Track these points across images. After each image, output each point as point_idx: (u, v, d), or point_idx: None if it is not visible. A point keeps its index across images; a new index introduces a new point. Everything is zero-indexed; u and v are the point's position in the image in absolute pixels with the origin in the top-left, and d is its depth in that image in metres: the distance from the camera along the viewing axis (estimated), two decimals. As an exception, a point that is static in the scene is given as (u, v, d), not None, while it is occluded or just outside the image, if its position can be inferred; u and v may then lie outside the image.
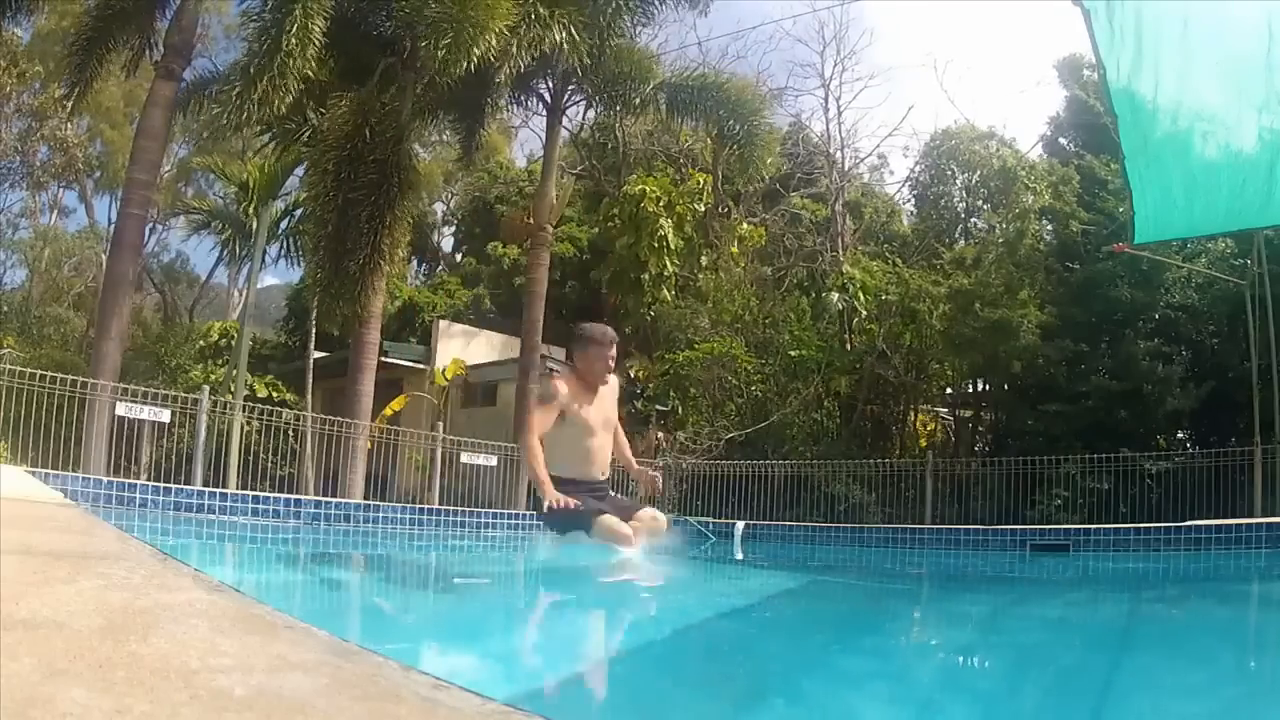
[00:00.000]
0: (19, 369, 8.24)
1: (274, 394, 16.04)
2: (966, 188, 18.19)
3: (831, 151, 19.58)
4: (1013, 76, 44.94)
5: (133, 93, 20.84)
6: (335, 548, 6.91)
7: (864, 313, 15.00)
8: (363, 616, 3.31)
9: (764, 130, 14.02)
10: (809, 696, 2.04)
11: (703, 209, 18.33)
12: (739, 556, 8.30)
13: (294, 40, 9.98)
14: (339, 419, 10.99)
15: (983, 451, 13.98)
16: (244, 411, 10.85)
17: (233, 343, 17.41)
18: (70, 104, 12.97)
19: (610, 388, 5.02)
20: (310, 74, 10.49)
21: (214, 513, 7.44)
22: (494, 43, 10.53)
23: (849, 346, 15.38)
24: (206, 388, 9.53)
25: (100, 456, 9.09)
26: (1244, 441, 9.83)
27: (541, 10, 11.63)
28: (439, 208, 30.11)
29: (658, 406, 14.64)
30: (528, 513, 10.46)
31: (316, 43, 10.28)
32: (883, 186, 22.62)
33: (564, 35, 11.87)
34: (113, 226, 18.58)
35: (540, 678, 2.20)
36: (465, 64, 10.21)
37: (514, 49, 11.17)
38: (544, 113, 14.91)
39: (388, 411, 16.17)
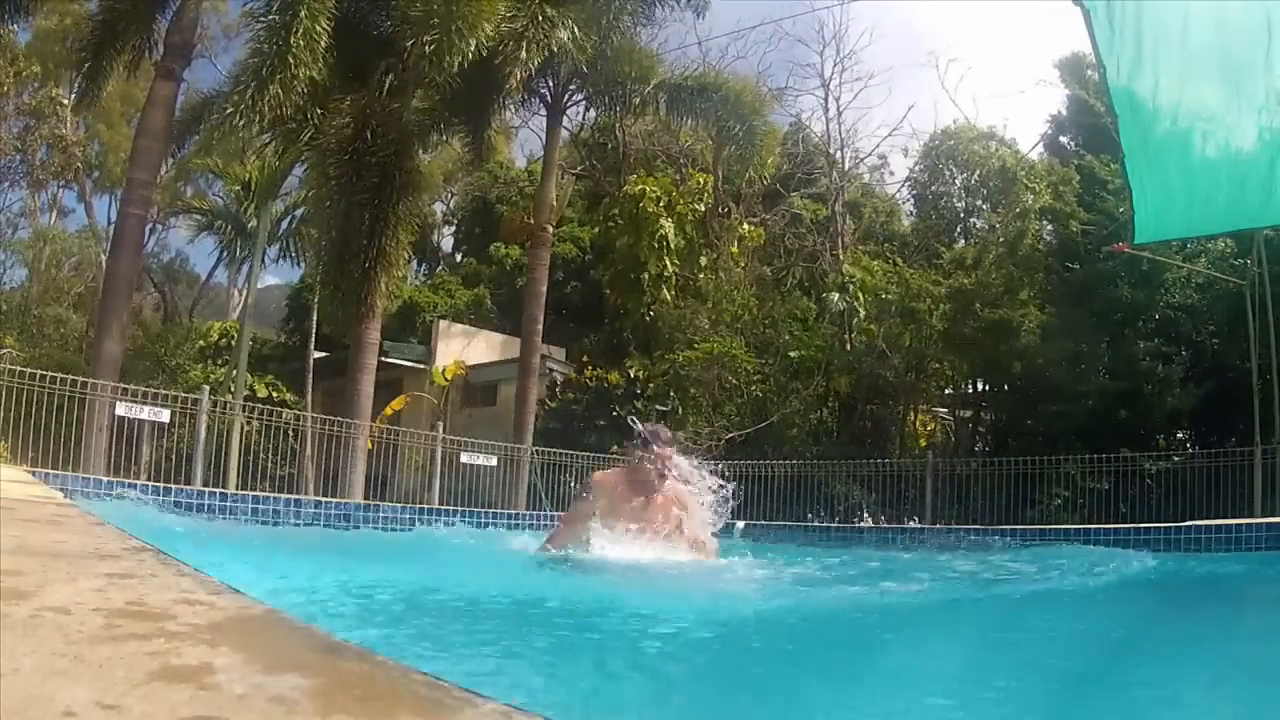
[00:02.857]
0: (19, 369, 8.24)
1: (274, 394, 16.04)
2: (966, 188, 18.21)
3: (831, 151, 19.60)
4: (1013, 76, 45.05)
5: (130, 92, 20.83)
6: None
7: (864, 313, 15.00)
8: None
9: (763, 129, 14.04)
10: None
11: (703, 209, 18.33)
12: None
13: (301, 41, 10.00)
14: (339, 419, 10.99)
15: (983, 451, 13.98)
16: (244, 411, 10.86)
17: (233, 343, 17.42)
18: (85, 109, 13.10)
19: (668, 499, 4.74)
20: (315, 75, 10.51)
21: (214, 513, 7.44)
22: (484, 39, 10.54)
23: (849, 346, 15.38)
24: (206, 388, 9.52)
25: (100, 456, 9.09)
26: (1244, 441, 9.83)
27: (549, 10, 11.65)
28: (439, 208, 30.12)
29: (658, 406, 14.63)
30: (526, 512, 10.48)
31: (322, 43, 10.30)
32: (883, 186, 22.66)
33: (568, 35, 11.89)
34: (113, 226, 18.60)
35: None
36: (454, 61, 10.22)
37: (524, 51, 11.18)
38: (544, 113, 14.92)
39: (388, 411, 16.17)
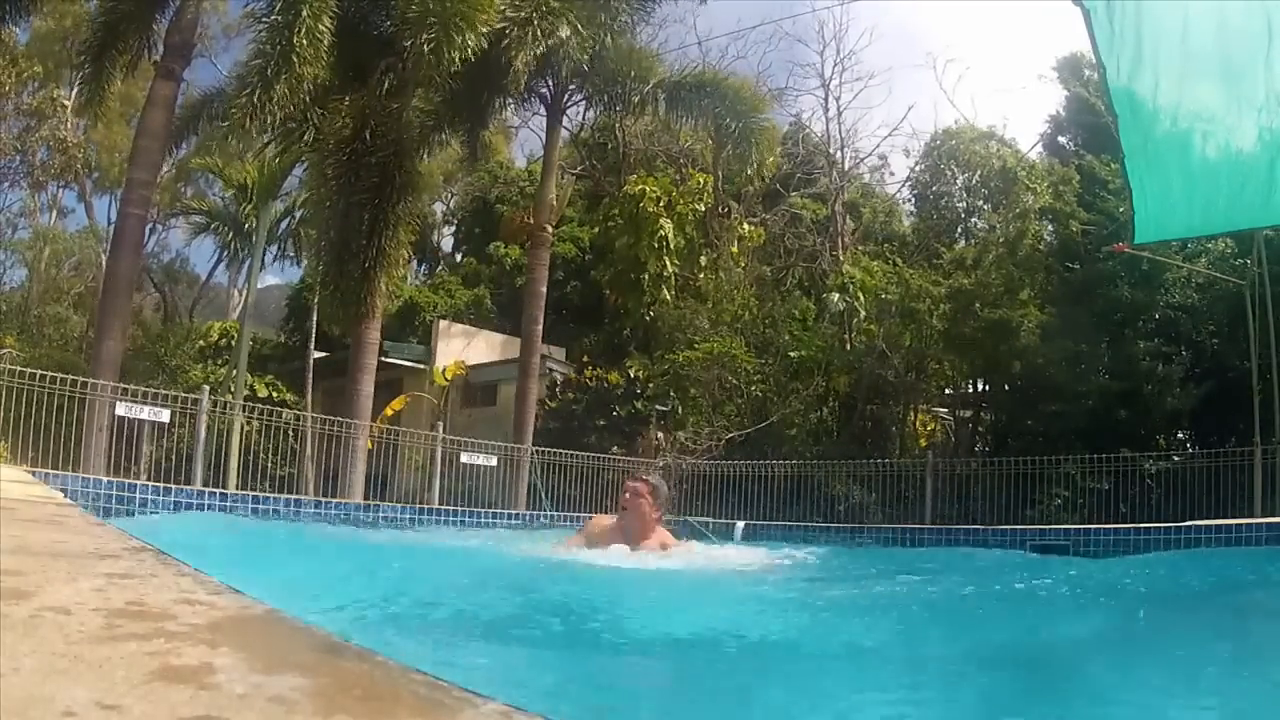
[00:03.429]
0: (19, 369, 8.24)
1: (274, 394, 16.03)
2: (967, 188, 18.20)
3: (831, 151, 19.59)
4: (1013, 76, 45.07)
5: (130, 92, 20.83)
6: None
7: (864, 313, 15.00)
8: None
9: (762, 127, 14.02)
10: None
11: (703, 209, 18.33)
12: None
13: (304, 41, 10.00)
14: (339, 419, 10.99)
15: (983, 451, 13.97)
16: (244, 411, 10.86)
17: (233, 343, 17.42)
18: (90, 113, 13.08)
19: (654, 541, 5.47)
20: (318, 74, 10.51)
21: (214, 512, 7.45)
22: (483, 37, 10.54)
23: (849, 346, 15.37)
24: (206, 388, 9.52)
25: (100, 456, 9.09)
26: (1244, 441, 9.82)
27: (551, 1, 11.65)
28: (439, 208, 30.13)
29: (658, 406, 14.63)
30: (526, 512, 10.49)
31: (325, 42, 10.30)
32: (883, 186, 22.66)
33: (570, 31, 11.89)
34: (113, 226, 18.60)
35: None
36: (453, 58, 10.22)
37: (530, 37, 11.19)
38: (544, 113, 14.91)
39: (388, 411, 16.17)
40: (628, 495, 5.49)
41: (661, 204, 17.45)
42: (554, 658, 2.72)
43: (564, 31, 11.80)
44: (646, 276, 17.28)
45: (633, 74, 13.81)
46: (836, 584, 5.75)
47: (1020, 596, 4.95)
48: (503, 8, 11.16)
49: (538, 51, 11.57)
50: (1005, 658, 2.96)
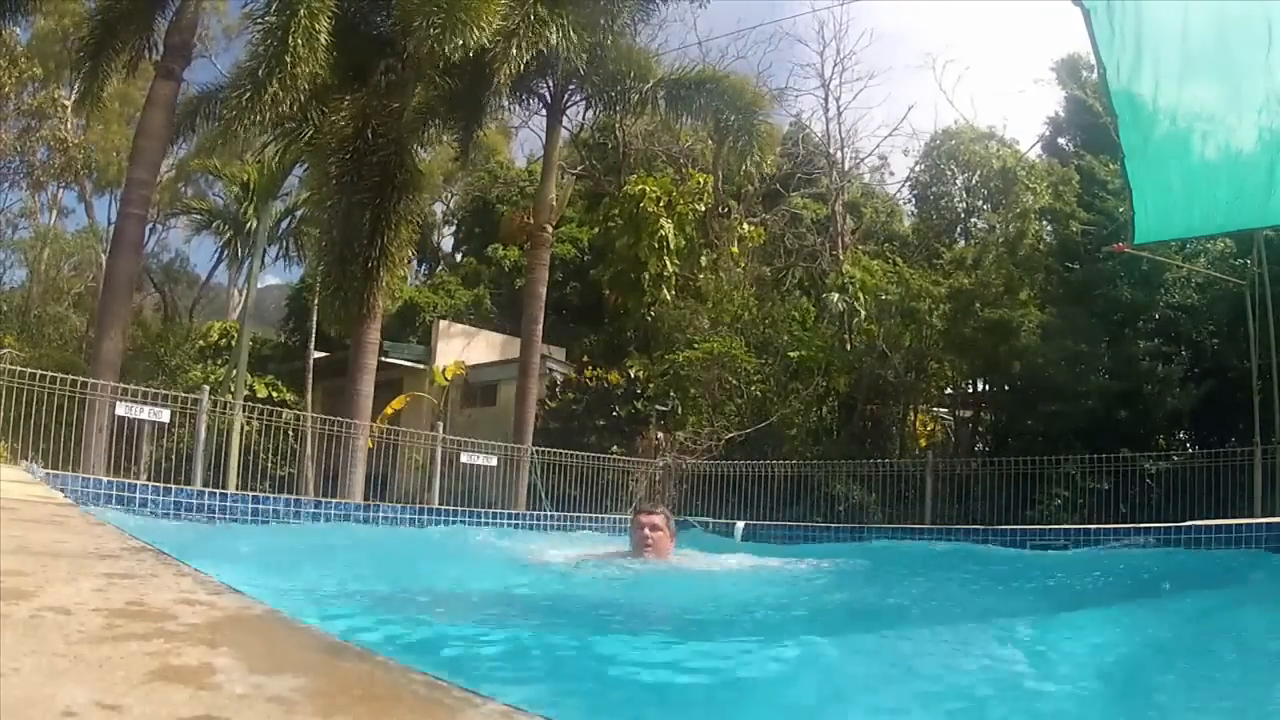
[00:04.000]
0: (19, 369, 8.23)
1: (274, 394, 16.03)
2: (966, 188, 18.21)
3: (831, 151, 19.60)
4: (1012, 76, 45.08)
5: (129, 92, 20.81)
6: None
7: (864, 313, 15.00)
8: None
9: (762, 123, 14.00)
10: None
11: (703, 209, 18.33)
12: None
13: (300, 41, 9.98)
14: (339, 419, 10.99)
15: (983, 451, 13.96)
16: (244, 411, 10.86)
17: (233, 343, 17.41)
18: (87, 111, 13.10)
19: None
20: (316, 73, 10.50)
21: (214, 513, 7.44)
22: (487, 31, 10.51)
23: (849, 346, 15.37)
24: (206, 388, 9.52)
25: (100, 456, 9.09)
26: (1244, 441, 9.82)
27: (541, 10, 11.63)
28: (439, 208, 30.12)
29: (658, 406, 14.63)
30: (526, 512, 10.49)
31: (322, 43, 10.29)
32: (883, 186, 22.67)
33: (561, 36, 11.87)
34: (113, 226, 18.60)
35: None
36: (457, 48, 10.19)
37: (514, 50, 11.17)
38: (544, 113, 14.90)
39: (388, 411, 16.17)
40: (646, 531, 5.47)
41: (661, 204, 17.44)
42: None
43: (553, 38, 11.76)
44: (646, 276, 17.28)
45: (632, 73, 13.80)
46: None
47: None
48: (500, 12, 11.15)
49: (523, 61, 11.52)
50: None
